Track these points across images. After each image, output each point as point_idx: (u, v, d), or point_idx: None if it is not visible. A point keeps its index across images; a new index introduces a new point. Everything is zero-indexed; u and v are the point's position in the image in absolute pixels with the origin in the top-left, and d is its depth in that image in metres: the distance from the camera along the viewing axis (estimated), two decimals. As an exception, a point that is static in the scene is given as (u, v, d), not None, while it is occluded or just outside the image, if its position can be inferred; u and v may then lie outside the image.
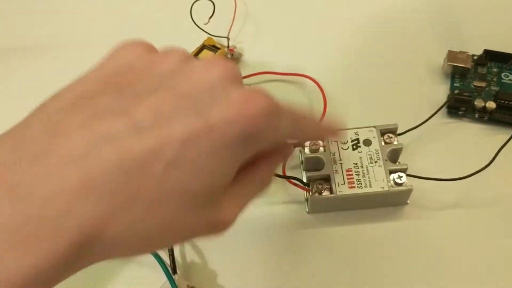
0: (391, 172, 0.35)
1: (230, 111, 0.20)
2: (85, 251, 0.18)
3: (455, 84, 0.43)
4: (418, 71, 0.45)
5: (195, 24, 0.44)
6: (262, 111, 0.21)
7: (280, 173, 0.37)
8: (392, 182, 0.35)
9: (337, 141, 0.37)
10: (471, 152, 0.39)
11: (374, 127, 0.37)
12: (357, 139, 0.37)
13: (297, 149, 0.40)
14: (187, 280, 0.35)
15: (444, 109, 0.41)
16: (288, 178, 0.37)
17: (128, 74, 0.21)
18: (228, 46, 0.47)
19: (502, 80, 0.42)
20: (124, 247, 0.19)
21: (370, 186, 0.34)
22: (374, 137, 0.37)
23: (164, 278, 0.33)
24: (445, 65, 0.43)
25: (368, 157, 0.36)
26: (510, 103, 0.40)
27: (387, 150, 0.36)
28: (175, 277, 0.33)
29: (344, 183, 0.35)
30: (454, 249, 0.35)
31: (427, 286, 0.34)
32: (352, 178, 0.35)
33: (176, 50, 0.23)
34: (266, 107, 0.21)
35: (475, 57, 0.44)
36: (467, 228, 0.36)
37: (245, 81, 0.45)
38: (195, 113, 0.20)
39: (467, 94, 0.41)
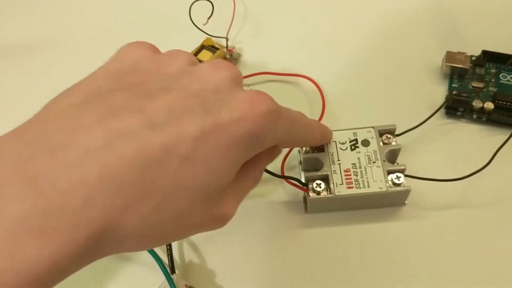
0: (389, 172, 0.35)
1: (238, 111, 0.22)
2: (102, 242, 0.18)
3: (453, 85, 0.43)
4: (416, 72, 0.45)
5: (194, 24, 0.44)
6: (266, 112, 0.22)
7: (279, 173, 0.38)
8: (390, 182, 0.35)
9: (335, 142, 0.37)
10: (469, 152, 0.39)
11: (373, 127, 0.37)
12: (356, 140, 0.37)
13: (295, 149, 0.40)
14: (186, 279, 0.35)
15: (442, 110, 0.41)
16: (287, 178, 0.37)
17: (137, 74, 0.22)
18: (227, 47, 0.47)
19: (500, 81, 0.42)
20: (137, 240, 0.20)
21: (368, 187, 0.35)
22: (372, 137, 0.37)
23: (162, 277, 0.33)
24: (443, 66, 0.43)
25: (366, 157, 0.36)
26: (508, 103, 0.40)
27: (386, 151, 0.36)
28: (174, 276, 0.33)
29: (342, 183, 0.35)
30: (452, 249, 0.35)
31: (425, 286, 0.34)
32: (350, 179, 0.35)
33: (182, 53, 0.25)
34: (269, 108, 0.22)
35: (473, 58, 0.44)
36: (465, 228, 0.36)
37: (245, 81, 0.45)
38: (205, 112, 0.21)
39: (465, 94, 0.41)
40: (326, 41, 0.48)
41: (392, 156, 0.37)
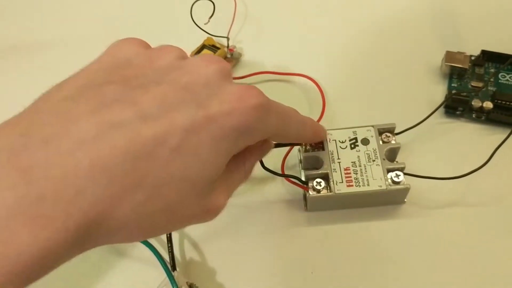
0: (388, 171, 0.35)
1: (228, 104, 0.22)
2: (94, 231, 0.19)
3: (452, 84, 0.43)
4: (416, 71, 0.45)
5: (195, 24, 0.44)
6: (256, 105, 0.22)
7: (279, 171, 0.38)
8: (389, 180, 0.35)
9: (335, 140, 0.37)
10: (468, 151, 0.40)
11: (372, 126, 0.37)
12: (355, 138, 0.37)
13: (295, 148, 0.40)
14: (187, 277, 0.35)
15: (442, 109, 0.41)
16: (287, 176, 0.37)
17: (129, 68, 0.23)
18: (228, 46, 0.47)
19: (499, 81, 0.43)
20: (129, 230, 0.20)
21: (368, 185, 0.35)
22: (372, 136, 0.37)
23: (163, 275, 0.34)
24: (443, 66, 0.44)
25: (366, 156, 0.36)
26: (507, 103, 0.40)
27: (385, 149, 0.36)
28: (175, 273, 0.34)
29: (342, 182, 0.35)
30: (451, 247, 0.36)
31: (424, 284, 0.35)
32: (350, 177, 0.35)
33: (172, 47, 0.25)
34: (259, 102, 0.23)
35: (472, 58, 0.44)
36: (464, 226, 0.37)
37: (245, 80, 0.45)
38: (196, 104, 0.21)
39: (464, 94, 0.42)
40: (326, 40, 0.49)
41: (391, 155, 0.37)
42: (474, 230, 0.36)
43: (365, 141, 0.37)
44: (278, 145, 0.34)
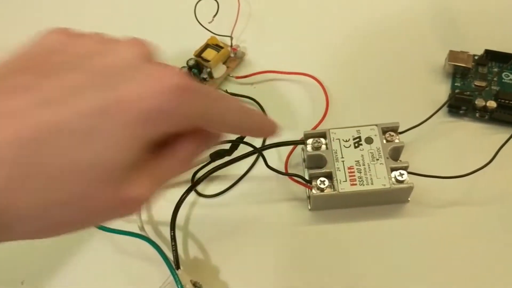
0: (392, 169, 0.35)
1: (142, 87, 0.21)
2: None
3: (456, 84, 0.43)
4: (419, 71, 0.45)
5: (199, 23, 0.44)
6: (174, 86, 0.21)
7: (283, 170, 0.38)
8: (393, 179, 0.35)
9: (339, 139, 0.37)
10: (471, 150, 0.40)
11: (376, 125, 0.37)
12: (359, 137, 0.37)
13: (299, 147, 0.40)
14: (190, 275, 0.35)
15: (445, 108, 0.41)
16: (290, 175, 0.37)
17: (49, 56, 0.22)
18: (231, 45, 0.47)
19: (503, 80, 0.43)
20: (29, 224, 0.19)
21: (372, 184, 0.35)
22: (375, 135, 0.37)
23: (167, 273, 0.34)
24: (446, 65, 0.44)
25: (370, 155, 0.36)
26: (511, 102, 0.40)
27: (389, 148, 0.36)
28: (179, 272, 0.34)
29: (346, 181, 0.35)
30: (455, 246, 0.36)
31: (428, 283, 0.35)
32: (354, 176, 0.35)
33: (95, 34, 0.24)
34: (176, 83, 0.21)
35: (476, 57, 0.44)
36: (467, 225, 0.37)
37: (249, 80, 0.46)
38: (109, 88, 0.20)
39: (468, 93, 0.42)
40: (329, 40, 0.49)
41: (395, 154, 0.37)
42: (477, 229, 0.36)
43: (369, 140, 0.37)
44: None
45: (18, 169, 0.18)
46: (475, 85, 0.43)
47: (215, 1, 0.44)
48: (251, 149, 0.38)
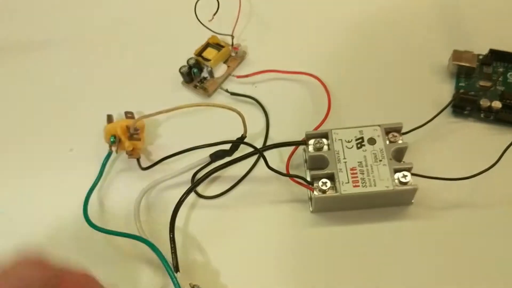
0: (396, 171, 0.35)
1: None
2: None
3: (460, 84, 0.43)
4: (423, 70, 0.45)
5: (200, 21, 0.44)
6: None
7: (284, 171, 0.37)
8: (397, 181, 0.34)
9: (341, 140, 0.36)
10: (476, 151, 0.39)
11: (379, 125, 0.37)
12: (362, 138, 0.36)
13: (300, 148, 0.39)
14: (190, 278, 0.34)
15: (449, 109, 0.41)
16: (292, 176, 0.37)
17: None
18: (232, 44, 0.46)
19: (508, 80, 0.42)
20: None
21: (375, 185, 0.34)
22: (378, 135, 0.36)
23: (165, 276, 0.33)
24: (450, 65, 0.43)
25: (373, 155, 0.35)
26: (516, 103, 0.40)
27: (392, 149, 0.36)
28: (177, 275, 0.33)
29: (349, 182, 0.34)
30: (459, 249, 0.35)
31: (431, 286, 0.34)
32: (357, 177, 0.35)
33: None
34: None
35: (480, 57, 0.43)
36: (472, 228, 0.36)
37: (250, 79, 0.45)
38: None
39: (472, 93, 0.41)
40: (332, 39, 0.48)
41: (398, 155, 0.36)
42: (482, 232, 0.36)
43: (372, 141, 0.36)
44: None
45: None
46: (480, 85, 0.42)
47: (215, 0, 0.43)
48: (251, 149, 0.37)
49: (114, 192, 0.41)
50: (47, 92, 0.47)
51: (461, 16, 0.48)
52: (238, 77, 0.46)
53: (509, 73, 0.42)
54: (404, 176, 0.34)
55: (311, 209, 0.38)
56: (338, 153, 0.36)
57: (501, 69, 0.43)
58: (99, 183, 0.40)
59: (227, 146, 0.38)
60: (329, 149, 0.36)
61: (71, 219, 0.39)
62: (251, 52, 0.48)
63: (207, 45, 0.46)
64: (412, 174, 0.35)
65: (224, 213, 0.39)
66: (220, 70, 0.46)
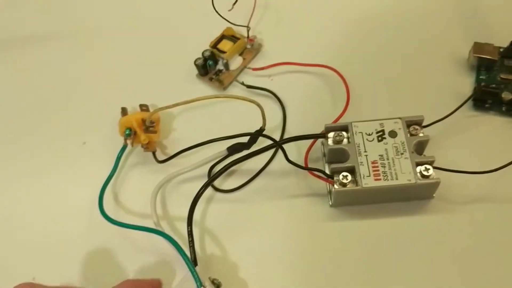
0: (417, 164, 0.34)
1: None
2: None
3: (480, 77, 0.42)
4: (442, 63, 0.44)
5: (217, 12, 0.43)
6: None
7: (302, 165, 0.37)
8: (419, 174, 0.34)
9: (362, 133, 0.36)
10: (498, 145, 0.38)
11: (400, 118, 0.36)
12: (382, 131, 0.36)
13: (319, 141, 0.39)
14: (208, 272, 0.34)
15: (470, 102, 0.40)
16: (311, 169, 0.36)
17: None
18: (248, 36, 0.46)
19: (530, 73, 0.41)
20: None
21: (397, 179, 0.34)
22: (399, 128, 0.36)
23: (183, 270, 0.32)
24: (470, 57, 0.42)
25: (394, 149, 0.35)
26: (539, 96, 0.39)
27: (413, 142, 0.35)
28: (196, 269, 0.33)
29: (370, 175, 0.34)
30: (481, 243, 0.34)
31: (453, 280, 0.33)
32: (378, 170, 0.34)
33: None
34: None
35: (501, 49, 0.43)
36: (494, 222, 0.35)
37: (266, 72, 0.45)
38: None
39: (493, 86, 0.40)
40: (349, 31, 0.47)
41: (419, 148, 0.36)
42: (505, 227, 0.35)
43: (393, 134, 0.35)
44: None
45: None
46: (501, 78, 0.41)
47: (232, -10, 0.43)
48: (269, 143, 0.37)
49: (129, 185, 0.40)
50: (61, 85, 0.47)
51: (481, 7, 0.47)
52: (254, 69, 0.45)
53: (531, 66, 0.42)
54: (426, 169, 0.34)
55: (330, 203, 0.37)
56: (358, 146, 0.35)
57: (522, 62, 0.42)
58: (114, 177, 0.39)
59: (244, 139, 0.37)
60: (349, 142, 0.36)
61: (86, 213, 0.38)
62: (266, 44, 0.47)
63: (222, 37, 0.46)
64: (434, 168, 0.34)
65: (241, 207, 0.38)
66: (236, 63, 0.45)
